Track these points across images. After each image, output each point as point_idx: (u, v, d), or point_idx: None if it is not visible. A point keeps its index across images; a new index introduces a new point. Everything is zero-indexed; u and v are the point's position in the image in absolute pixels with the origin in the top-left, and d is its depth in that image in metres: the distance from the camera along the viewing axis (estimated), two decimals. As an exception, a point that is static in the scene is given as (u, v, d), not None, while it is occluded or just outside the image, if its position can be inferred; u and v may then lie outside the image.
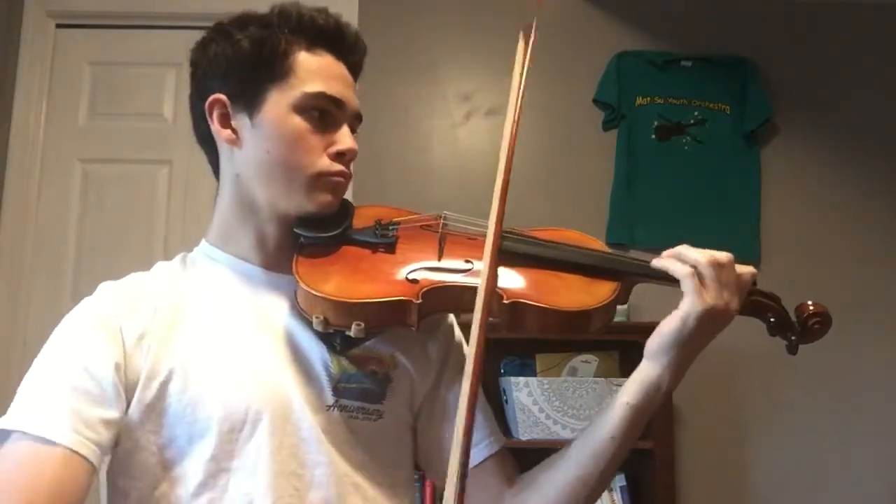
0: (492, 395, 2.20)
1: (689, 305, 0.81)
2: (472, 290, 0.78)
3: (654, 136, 2.56)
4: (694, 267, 0.82)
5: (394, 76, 2.51)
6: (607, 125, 2.57)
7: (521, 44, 0.90)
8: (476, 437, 0.92)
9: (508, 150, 0.83)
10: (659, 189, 2.51)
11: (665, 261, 0.85)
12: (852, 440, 2.42)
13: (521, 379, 2.10)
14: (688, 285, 0.81)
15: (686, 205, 2.50)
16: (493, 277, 0.79)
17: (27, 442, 0.75)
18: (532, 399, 2.08)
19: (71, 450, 0.75)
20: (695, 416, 2.37)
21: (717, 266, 0.82)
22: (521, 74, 0.87)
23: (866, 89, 2.62)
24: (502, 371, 2.20)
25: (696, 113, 2.58)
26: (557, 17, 2.62)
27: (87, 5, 2.61)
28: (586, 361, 2.18)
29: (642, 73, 2.58)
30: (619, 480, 2.15)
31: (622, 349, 2.19)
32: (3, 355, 2.37)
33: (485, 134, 2.56)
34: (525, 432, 2.07)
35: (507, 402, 2.16)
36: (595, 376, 2.16)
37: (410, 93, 2.56)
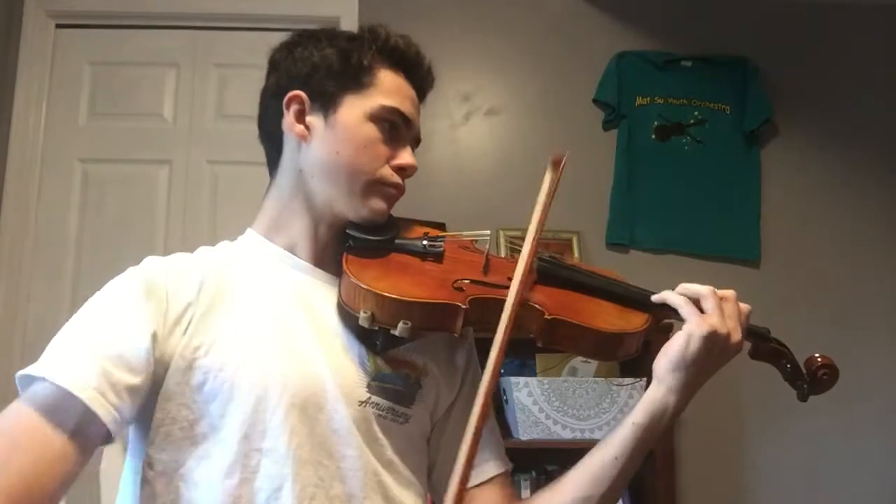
0: (492, 395, 2.19)
1: (691, 326, 0.85)
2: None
3: (653, 137, 2.56)
4: (696, 299, 0.88)
5: (394, 76, 2.50)
6: (607, 125, 2.57)
7: (548, 174, 0.98)
8: (485, 455, 0.96)
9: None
10: (659, 189, 2.51)
11: (664, 293, 0.91)
12: (852, 440, 2.42)
13: (521, 379, 2.09)
14: (685, 311, 0.87)
15: (686, 205, 2.50)
16: (519, 294, 0.86)
17: (51, 392, 0.75)
18: (532, 399, 2.08)
19: (90, 409, 0.75)
20: (695, 416, 2.37)
21: (718, 296, 0.88)
22: (547, 203, 0.95)
23: (866, 89, 2.62)
24: (502, 371, 2.20)
25: (695, 113, 2.58)
26: (557, 17, 2.62)
27: (87, 5, 2.61)
28: (586, 361, 2.17)
29: (642, 73, 2.58)
30: (619, 480, 2.15)
31: (622, 349, 2.19)
32: (3, 355, 2.37)
33: (485, 134, 2.55)
34: (525, 432, 2.07)
35: (507, 402, 2.16)
36: (595, 376, 2.16)
37: (410, 93, 2.55)
